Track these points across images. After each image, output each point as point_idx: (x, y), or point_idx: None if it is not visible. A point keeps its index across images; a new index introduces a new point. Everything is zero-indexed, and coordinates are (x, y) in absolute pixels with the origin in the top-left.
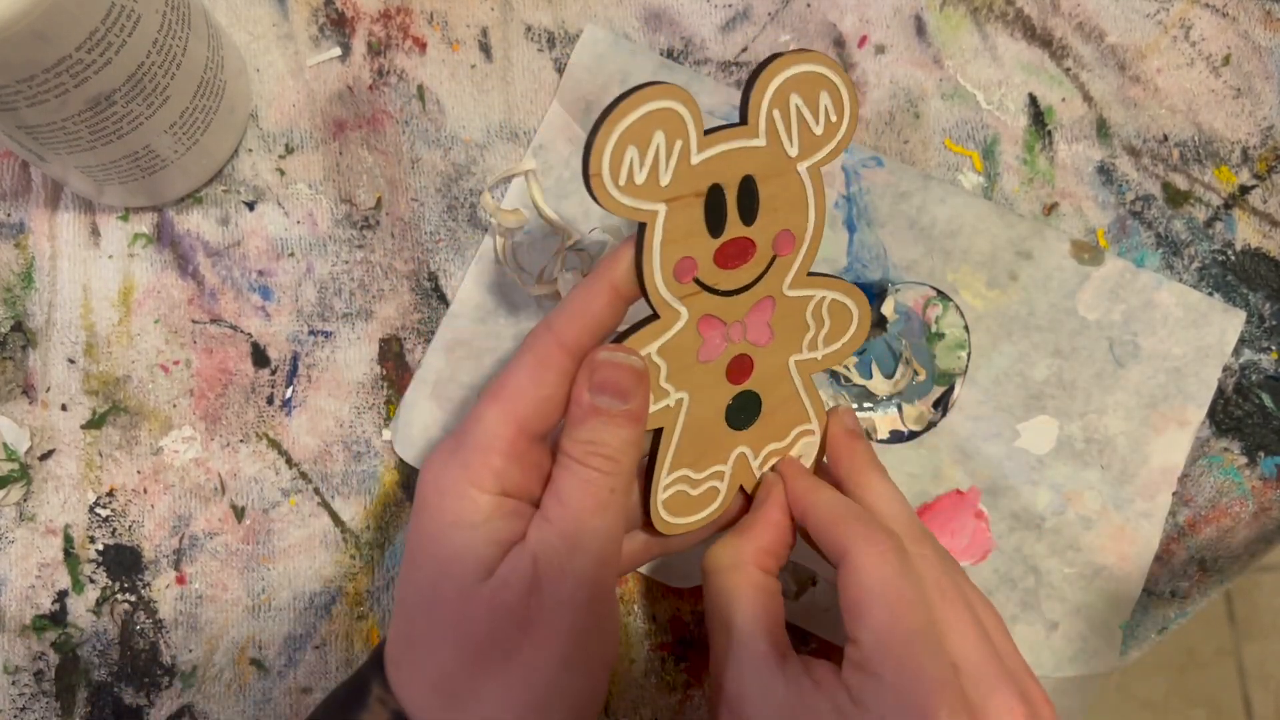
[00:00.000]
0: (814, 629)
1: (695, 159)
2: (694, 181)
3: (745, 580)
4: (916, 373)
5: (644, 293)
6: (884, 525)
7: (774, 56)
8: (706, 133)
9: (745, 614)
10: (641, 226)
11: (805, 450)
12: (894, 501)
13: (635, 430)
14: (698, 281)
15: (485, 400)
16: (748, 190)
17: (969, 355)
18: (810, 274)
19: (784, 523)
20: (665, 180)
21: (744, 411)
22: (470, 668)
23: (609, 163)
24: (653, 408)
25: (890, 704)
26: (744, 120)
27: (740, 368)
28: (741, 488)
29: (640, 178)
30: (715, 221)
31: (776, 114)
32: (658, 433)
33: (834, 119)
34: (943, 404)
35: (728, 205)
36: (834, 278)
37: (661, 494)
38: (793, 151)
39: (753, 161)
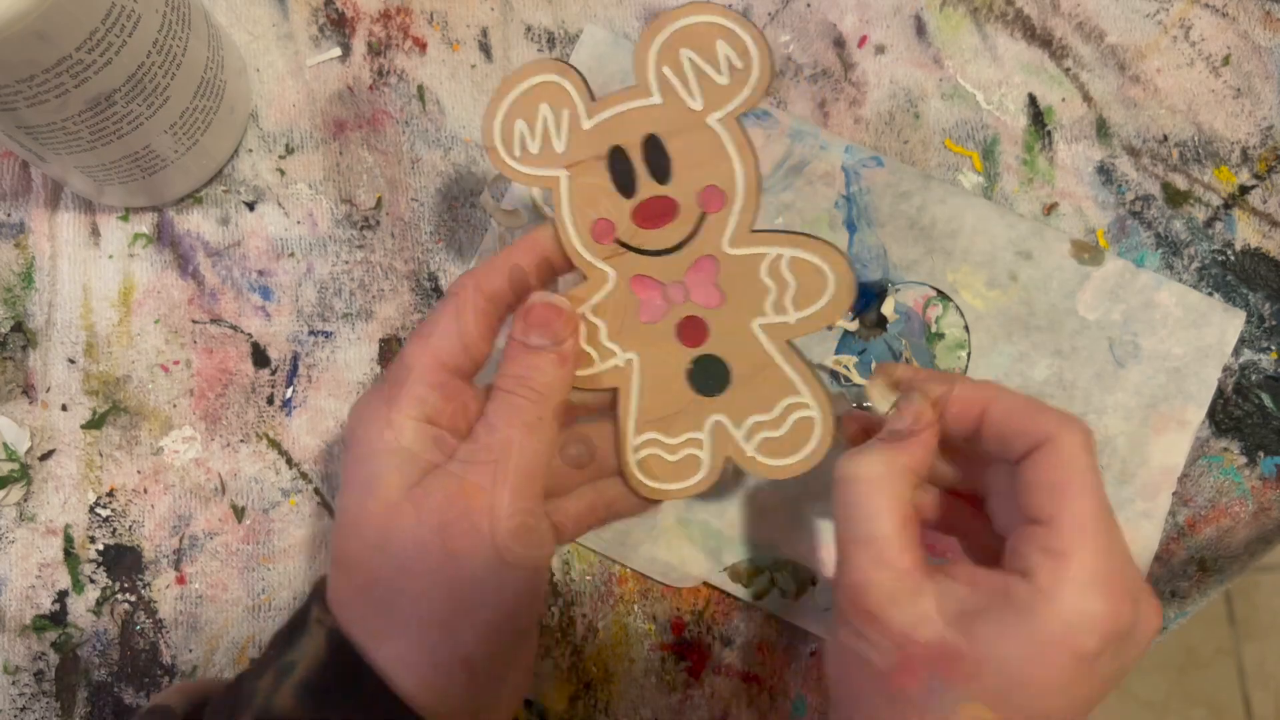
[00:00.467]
0: (814, 629)
1: (587, 124)
2: (591, 145)
3: (892, 493)
4: None
5: (566, 254)
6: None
7: (656, 15)
8: (597, 99)
9: (891, 527)
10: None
11: (800, 428)
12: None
13: (563, 370)
14: (620, 242)
15: (406, 343)
16: (654, 148)
17: (969, 355)
18: (759, 230)
19: (933, 443)
20: (560, 147)
21: (710, 377)
22: (396, 574)
23: (500, 136)
24: (601, 366)
25: (1083, 580)
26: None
27: (693, 329)
28: (730, 460)
29: (534, 147)
30: (624, 182)
31: (667, 70)
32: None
33: (739, 65)
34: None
35: (634, 165)
36: (793, 233)
37: (633, 454)
38: (696, 105)
39: (652, 120)
